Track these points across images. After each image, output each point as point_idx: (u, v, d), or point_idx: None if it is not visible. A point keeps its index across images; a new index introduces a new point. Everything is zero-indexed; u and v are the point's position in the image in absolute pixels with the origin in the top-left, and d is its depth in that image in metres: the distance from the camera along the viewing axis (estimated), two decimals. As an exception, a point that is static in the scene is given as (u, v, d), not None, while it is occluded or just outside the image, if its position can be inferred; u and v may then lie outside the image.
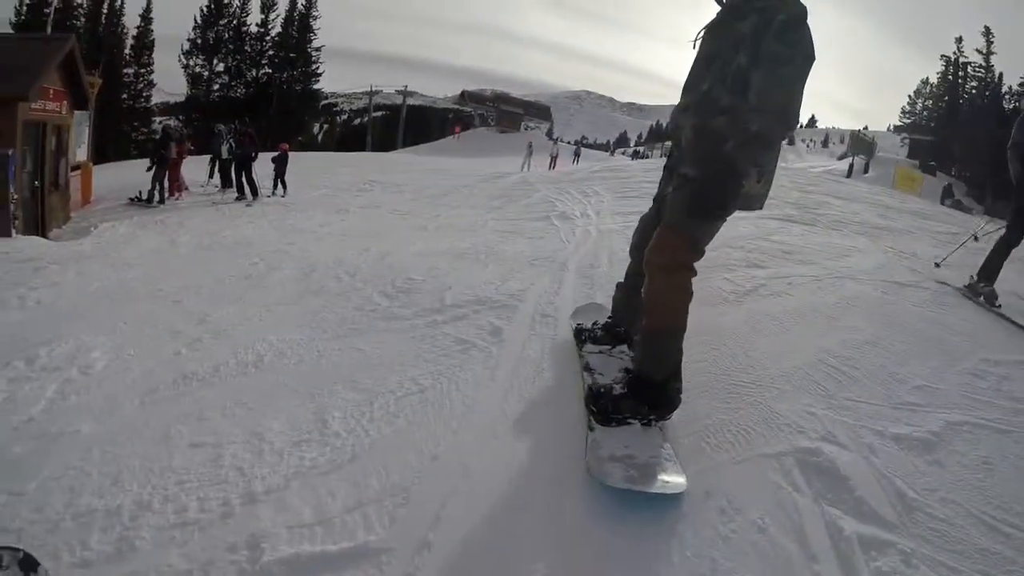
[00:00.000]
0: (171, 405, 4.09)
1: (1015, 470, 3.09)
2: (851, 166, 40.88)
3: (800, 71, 2.86)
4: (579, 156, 37.35)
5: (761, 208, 3.37)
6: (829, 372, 3.87)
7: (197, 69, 53.48)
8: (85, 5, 49.56)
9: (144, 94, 52.83)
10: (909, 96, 62.49)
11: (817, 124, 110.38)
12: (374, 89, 66.85)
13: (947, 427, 3.36)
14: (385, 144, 58.94)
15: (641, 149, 77.42)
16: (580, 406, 3.34)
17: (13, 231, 12.35)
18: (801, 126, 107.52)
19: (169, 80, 54.98)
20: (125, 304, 6.72)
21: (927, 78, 62.31)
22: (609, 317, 4.03)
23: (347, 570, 2.48)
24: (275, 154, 17.20)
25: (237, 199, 16.13)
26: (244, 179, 16.21)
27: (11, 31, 40.18)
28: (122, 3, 51.22)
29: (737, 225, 8.12)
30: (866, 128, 76.78)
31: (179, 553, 2.65)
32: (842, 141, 69.43)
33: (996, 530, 2.65)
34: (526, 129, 58.03)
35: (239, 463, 3.25)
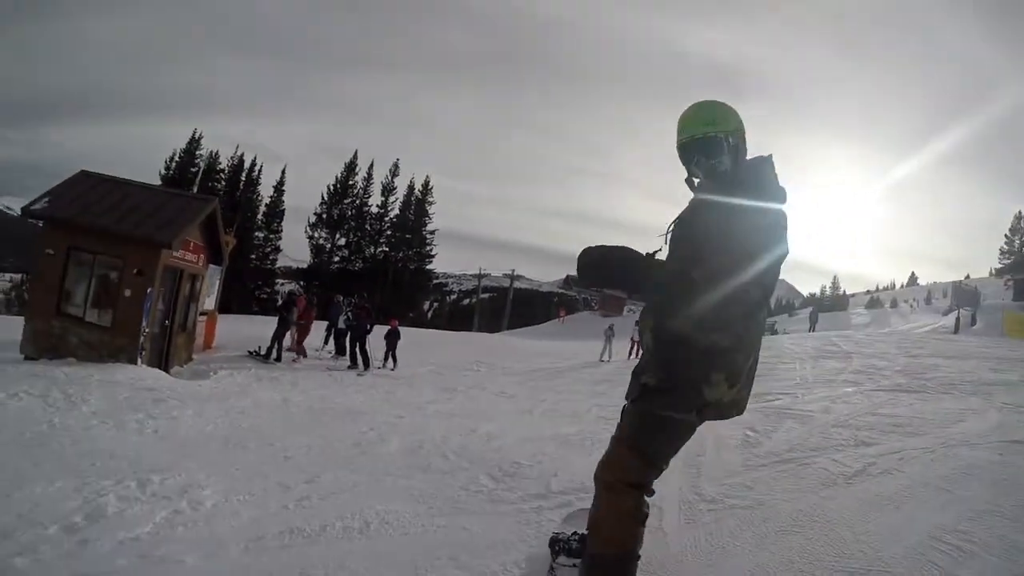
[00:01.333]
0: (275, 555, 4.09)
1: None
2: (957, 320, 38.35)
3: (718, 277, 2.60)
4: None
5: (741, 414, 2.98)
6: (945, 549, 3.52)
7: (320, 241, 57.69)
8: (227, 170, 54.96)
9: (271, 257, 56.96)
10: (1005, 235, 60.21)
11: (918, 282, 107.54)
12: (482, 272, 69.71)
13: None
14: (491, 324, 60.54)
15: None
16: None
17: (140, 360, 13.22)
18: (901, 286, 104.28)
19: (294, 247, 59.35)
20: (237, 450, 6.99)
21: (1020, 212, 60.36)
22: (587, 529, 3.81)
23: None
24: (388, 329, 17.89)
25: (349, 367, 16.75)
26: (358, 349, 16.86)
27: (160, 182, 44.78)
28: (259, 174, 57.12)
29: (844, 401, 8.05)
30: (967, 277, 73.59)
31: None
32: (945, 295, 65.96)
33: None
34: (630, 312, 57.96)
35: (333, 631, 3.17)
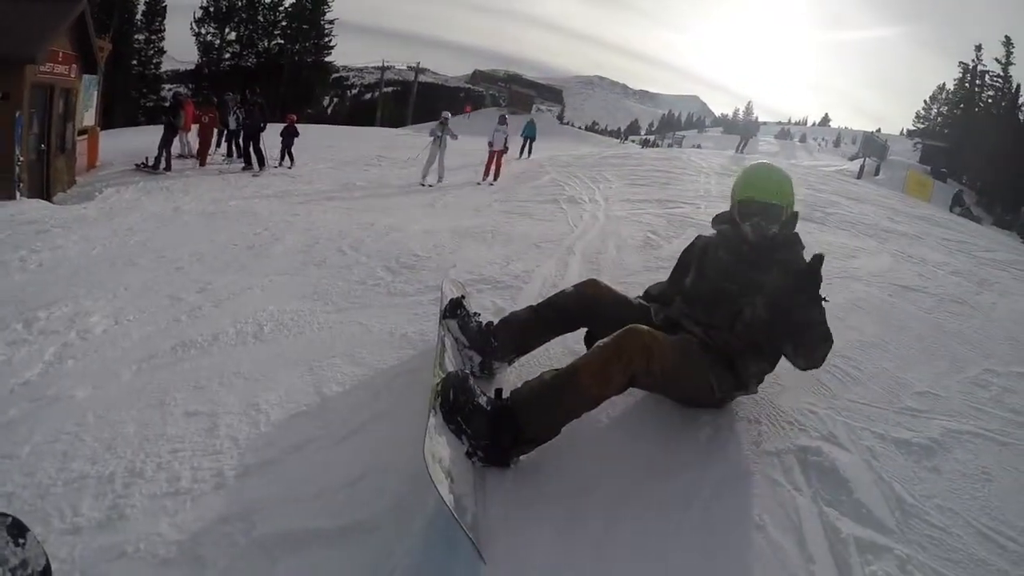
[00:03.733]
0: (168, 372, 4.08)
1: (1013, 482, 3.03)
2: (862, 167, 39.81)
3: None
4: (531, 142, 23.68)
5: None
6: (833, 372, 3.82)
7: (208, 37, 53.20)
8: (97, -32, 49.31)
9: (154, 61, 52.66)
10: (925, 101, 61.93)
11: (831, 123, 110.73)
12: (386, 64, 66.66)
13: (947, 434, 3.33)
14: (395, 120, 58.58)
15: (651, 138, 76.81)
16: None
17: (18, 193, 12.46)
18: (814, 124, 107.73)
19: (180, 48, 54.97)
20: (127, 269, 6.74)
21: (943, 84, 61.40)
22: (492, 322, 3.64)
23: (340, 547, 2.46)
24: (284, 126, 17.18)
25: (243, 169, 16.14)
26: (251, 149, 16.17)
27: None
28: (135, -31, 50.85)
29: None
30: (879, 131, 75.86)
31: (170, 523, 2.64)
32: (854, 142, 68.18)
33: (992, 541, 2.62)
34: (536, 111, 56.86)
35: (234, 433, 3.23)
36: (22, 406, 3.84)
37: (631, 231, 7.33)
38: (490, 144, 16.17)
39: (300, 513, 2.62)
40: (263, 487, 2.82)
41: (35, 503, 2.84)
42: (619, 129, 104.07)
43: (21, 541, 2.12)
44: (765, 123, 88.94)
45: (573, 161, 16.45)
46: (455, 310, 3.66)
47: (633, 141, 66.39)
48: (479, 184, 14.68)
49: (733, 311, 3.08)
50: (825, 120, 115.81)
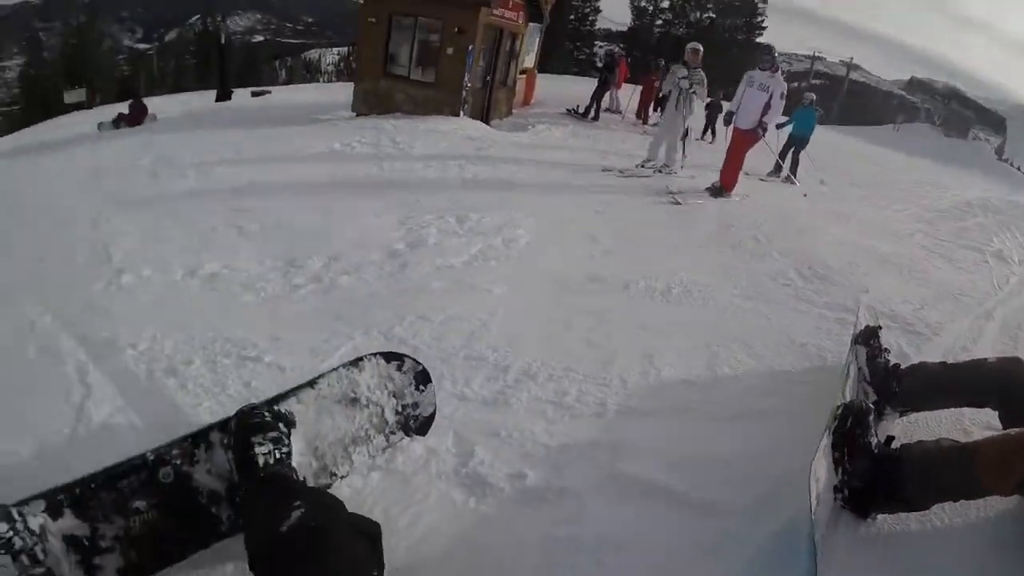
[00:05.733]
0: (578, 298, 4.46)
1: None
2: None
3: None
4: (803, 145, 13.50)
5: None
6: None
7: (643, 3, 55.24)
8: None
9: (590, 19, 55.78)
10: None
11: None
12: (817, 55, 63.81)
13: None
14: (822, 115, 56.02)
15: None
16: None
17: (462, 113, 14.25)
18: None
19: (614, 9, 57.51)
20: (549, 199, 7.43)
21: None
22: (898, 365, 3.32)
23: (689, 513, 2.49)
24: (709, 100, 17.25)
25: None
26: (680, 119, 16.39)
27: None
28: (573, -71, 54.01)
29: None
30: None
31: (545, 428, 2.91)
32: None
33: None
34: (974, 139, 49.51)
35: (625, 375, 3.43)
36: (445, 283, 4.55)
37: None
38: (730, 115, 9.27)
39: (662, 469, 2.70)
40: (637, 431, 2.96)
41: (435, 364, 3.27)
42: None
43: (421, 388, 2.70)
44: None
45: (1006, 208, 14.31)
46: (869, 339, 3.44)
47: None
48: (704, 194, 8.70)
49: None
50: None
